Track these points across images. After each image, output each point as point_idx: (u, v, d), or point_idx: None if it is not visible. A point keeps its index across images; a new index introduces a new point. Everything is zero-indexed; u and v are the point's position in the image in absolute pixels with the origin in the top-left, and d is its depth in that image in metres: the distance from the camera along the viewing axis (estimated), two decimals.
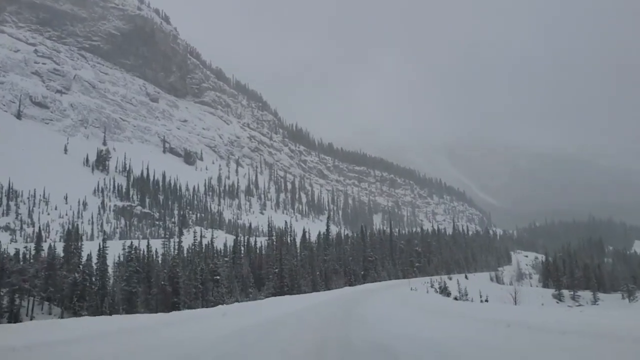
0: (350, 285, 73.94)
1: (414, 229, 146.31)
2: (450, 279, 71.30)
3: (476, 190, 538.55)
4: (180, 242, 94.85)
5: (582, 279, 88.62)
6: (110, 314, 44.90)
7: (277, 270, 65.77)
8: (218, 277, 64.64)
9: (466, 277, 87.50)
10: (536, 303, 61.08)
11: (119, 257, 68.29)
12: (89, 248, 62.82)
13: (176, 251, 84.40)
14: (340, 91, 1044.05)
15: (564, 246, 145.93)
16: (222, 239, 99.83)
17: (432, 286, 54.14)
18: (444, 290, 49.72)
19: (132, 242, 67.24)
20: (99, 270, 57.70)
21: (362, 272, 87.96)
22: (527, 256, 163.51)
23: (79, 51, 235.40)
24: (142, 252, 69.16)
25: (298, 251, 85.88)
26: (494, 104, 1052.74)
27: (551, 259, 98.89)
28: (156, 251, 77.01)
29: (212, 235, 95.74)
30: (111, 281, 63.33)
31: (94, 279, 55.80)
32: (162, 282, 61.85)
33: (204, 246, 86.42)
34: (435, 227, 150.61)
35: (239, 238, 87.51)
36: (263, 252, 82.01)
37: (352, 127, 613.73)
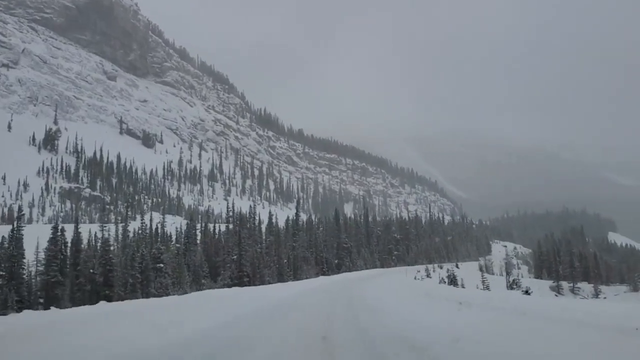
0: (324, 275, 63.06)
1: (391, 217, 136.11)
2: (441, 267, 61.03)
3: (445, 182, 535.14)
4: (126, 226, 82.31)
5: (580, 269, 79.72)
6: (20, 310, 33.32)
7: (235, 257, 54.11)
8: (161, 265, 52.65)
9: (457, 266, 77.31)
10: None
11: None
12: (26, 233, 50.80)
13: (120, 237, 72.12)
14: (310, 74, 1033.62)
15: (547, 236, 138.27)
16: (178, 225, 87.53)
17: (428, 275, 43.55)
18: (454, 281, 39.14)
19: (57, 224, 54.29)
20: (11, 256, 45.18)
21: (336, 261, 77.00)
22: (505, 246, 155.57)
23: (29, 23, 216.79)
24: (75, 236, 57.13)
25: (263, 237, 74.56)
26: (463, 97, 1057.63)
27: (543, 249, 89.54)
28: (95, 236, 64.11)
29: (163, 219, 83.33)
30: (33, 270, 50.89)
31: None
32: (91, 271, 49.99)
33: (152, 231, 74.38)
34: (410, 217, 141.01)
35: (193, 222, 75.26)
36: (222, 238, 69.90)
37: (322, 114, 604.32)
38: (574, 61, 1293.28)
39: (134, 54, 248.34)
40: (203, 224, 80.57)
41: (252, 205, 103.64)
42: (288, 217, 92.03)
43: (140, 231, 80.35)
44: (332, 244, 78.82)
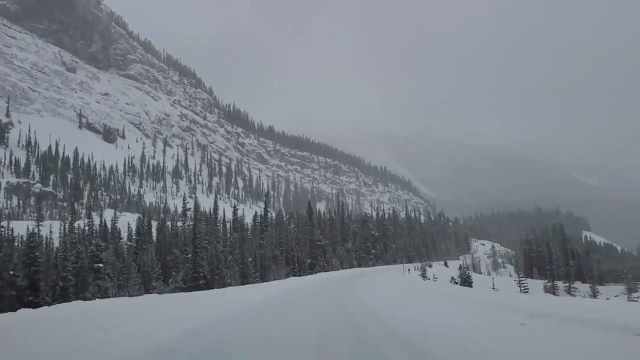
0: (295, 276, 55.17)
1: (369, 213, 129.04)
2: (431, 266, 53.76)
3: (416, 183, 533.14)
4: (72, 223, 72.90)
5: (574, 269, 73.55)
6: None
7: (189, 256, 45.72)
8: (100, 266, 43.94)
9: (446, 265, 70.26)
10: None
11: None
12: None
13: (65, 235, 63.24)
14: (281, 71, 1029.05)
15: (528, 234, 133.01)
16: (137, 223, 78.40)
17: (424, 275, 36.12)
18: (467, 282, 31.75)
19: None
20: None
21: (310, 261, 69.03)
22: (484, 244, 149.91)
23: None
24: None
25: (228, 234, 66.31)
26: (432, 97, 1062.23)
27: (533, 247, 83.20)
28: (26, 233, 54.70)
29: (115, 215, 74.00)
30: None
31: None
32: (12, 273, 41.58)
33: (101, 228, 65.60)
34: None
35: (146, 218, 66.39)
36: (183, 235, 61.15)
37: (294, 111, 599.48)
38: (543, 66, 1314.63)
39: (96, 46, 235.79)
40: (160, 220, 71.97)
41: (216, 201, 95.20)
42: (256, 213, 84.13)
43: (87, 228, 71.19)
44: (304, 242, 70.90)
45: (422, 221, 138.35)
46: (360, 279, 38.67)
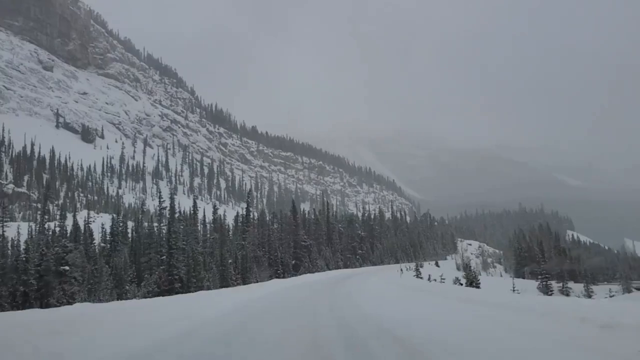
0: (278, 277, 52.19)
1: (354, 213, 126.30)
2: (422, 266, 51.06)
3: (400, 184, 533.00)
4: (43, 224, 69.20)
5: (568, 268, 71.45)
6: None
7: (164, 257, 42.41)
8: (66, 268, 40.46)
9: (437, 264, 67.67)
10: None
11: None
12: None
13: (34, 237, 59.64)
14: (263, 70, 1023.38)
15: (515, 232, 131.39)
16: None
17: (418, 275, 33.18)
18: (473, 282, 28.96)
19: None
20: None
21: (294, 261, 66.04)
22: (470, 244, 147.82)
23: None
24: None
25: (208, 235, 63.16)
26: (414, 98, 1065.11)
27: (523, 246, 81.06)
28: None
29: (88, 216, 70.13)
30: None
31: None
32: None
33: (74, 229, 62.03)
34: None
35: (120, 218, 62.82)
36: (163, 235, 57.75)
37: (277, 111, 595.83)
38: (526, 68, 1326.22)
39: (74, 44, 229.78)
40: (137, 221, 68.42)
41: (194, 200, 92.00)
42: (237, 212, 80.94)
43: (58, 229, 67.43)
44: (288, 242, 67.84)
45: (408, 221, 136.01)
46: (350, 280, 35.70)
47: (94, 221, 79.96)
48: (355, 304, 16.84)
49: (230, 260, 48.78)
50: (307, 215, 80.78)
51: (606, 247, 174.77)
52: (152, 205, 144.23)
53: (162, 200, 56.23)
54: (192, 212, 66.36)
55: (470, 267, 79.03)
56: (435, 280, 33.99)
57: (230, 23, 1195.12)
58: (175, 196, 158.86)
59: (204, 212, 79.36)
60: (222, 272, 47.91)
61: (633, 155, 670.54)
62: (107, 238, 59.36)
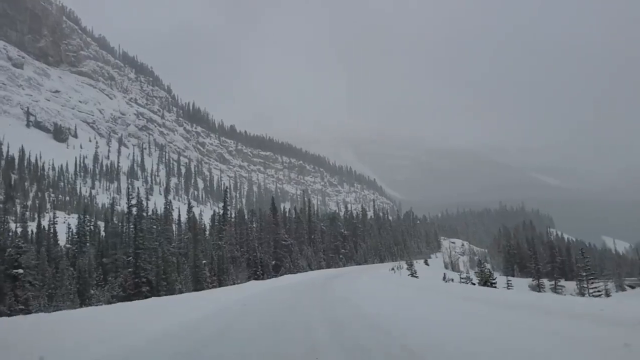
0: (257, 279, 48.67)
1: (335, 210, 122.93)
2: (412, 264, 47.92)
3: (381, 184, 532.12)
4: (2, 225, 64.21)
5: (559, 265, 69.09)
6: None
7: (130, 258, 38.54)
8: (19, 272, 36.49)
9: (426, 263, 64.77)
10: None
11: None
12: None
13: None
14: (242, 69, 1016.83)
15: (500, 231, 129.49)
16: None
17: (413, 274, 29.92)
18: (488, 281, 25.71)
19: None
20: None
21: (274, 262, 62.48)
22: (454, 242, 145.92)
23: None
24: None
25: (183, 235, 59.20)
26: (399, 100, 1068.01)
27: (512, 243, 78.51)
28: None
29: (53, 217, 65.56)
30: None
31: None
32: None
33: (39, 230, 57.90)
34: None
35: (87, 218, 58.45)
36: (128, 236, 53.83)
37: (255, 110, 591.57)
38: (504, 70, 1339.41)
39: (45, 40, 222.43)
40: (108, 222, 64.28)
41: (167, 197, 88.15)
42: (214, 211, 77.19)
43: (20, 229, 63.06)
44: (268, 241, 64.25)
45: (391, 220, 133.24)
46: (339, 281, 32.24)
47: (64, 222, 75.36)
48: (361, 313, 12.98)
49: (204, 261, 44.96)
50: (287, 214, 77.25)
51: (588, 244, 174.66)
52: (126, 205, 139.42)
53: (131, 197, 52.24)
54: (165, 210, 62.46)
55: (458, 265, 76.40)
56: (418, 277, 30.65)
57: (209, 22, 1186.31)
58: (150, 196, 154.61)
59: (179, 212, 75.37)
60: (196, 274, 44.15)
61: (611, 156, 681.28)
62: (75, 239, 55.21)
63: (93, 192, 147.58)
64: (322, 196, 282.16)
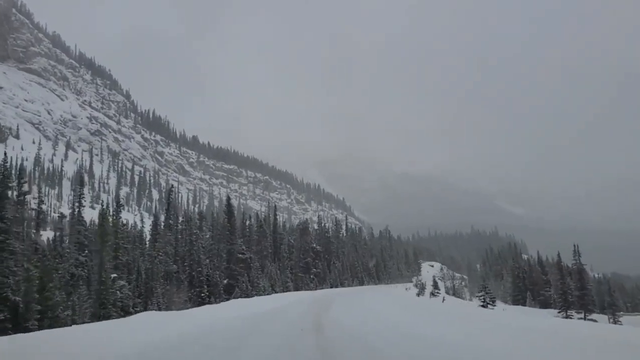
0: (203, 303, 33.75)
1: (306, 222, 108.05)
2: (408, 289, 33.81)
3: (349, 204, 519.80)
4: None
5: (576, 294, 56.02)
6: None
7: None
8: None
9: (422, 287, 50.40)
10: None
11: None
12: None
13: None
14: (208, 80, 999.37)
15: (487, 253, 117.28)
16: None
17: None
18: None
19: None
20: None
21: (226, 280, 47.72)
22: (432, 266, 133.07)
23: None
24: None
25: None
26: (365, 119, 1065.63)
27: (521, 266, 65.41)
28: None
29: None
30: None
31: None
32: None
33: None
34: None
35: None
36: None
37: (220, 123, 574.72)
38: (468, 99, 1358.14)
39: None
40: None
41: (104, 208, 71.98)
42: (155, 217, 61.72)
43: None
44: (219, 253, 49.48)
45: (366, 237, 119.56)
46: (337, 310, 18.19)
47: None
48: None
49: (114, 275, 29.98)
50: (248, 221, 62.48)
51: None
52: (68, 213, 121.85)
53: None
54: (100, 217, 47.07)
55: (460, 291, 63.15)
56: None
57: (175, 30, 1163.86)
58: (96, 205, 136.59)
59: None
60: (101, 295, 29.12)
61: (577, 185, 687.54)
62: None
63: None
64: (288, 214, 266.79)
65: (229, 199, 54.40)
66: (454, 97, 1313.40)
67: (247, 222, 61.74)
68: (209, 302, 41.04)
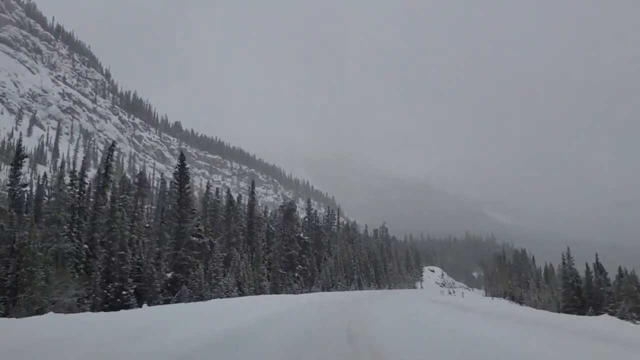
0: (124, 307, 17.05)
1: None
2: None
3: (339, 203, 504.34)
4: None
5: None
6: None
7: None
8: None
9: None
10: None
11: None
12: None
13: None
14: (198, 65, 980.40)
15: (500, 259, 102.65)
16: None
17: None
18: None
19: None
20: None
21: (170, 274, 31.71)
22: (433, 271, 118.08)
23: None
24: None
25: None
26: (353, 120, 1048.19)
27: (573, 274, 50.20)
28: None
29: None
30: None
31: None
32: None
33: None
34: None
35: None
36: None
37: (206, 112, 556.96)
38: (455, 103, 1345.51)
39: None
40: None
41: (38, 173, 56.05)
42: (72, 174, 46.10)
43: None
44: (163, 235, 33.76)
45: (361, 234, 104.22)
46: None
47: None
48: None
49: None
50: (216, 194, 46.76)
51: None
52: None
53: None
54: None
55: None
56: None
57: (161, 11, 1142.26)
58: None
59: None
60: None
61: (568, 195, 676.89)
62: None
63: None
64: (273, 209, 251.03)
65: (182, 157, 38.48)
66: (444, 102, 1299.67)
67: (214, 198, 45.97)
68: (129, 306, 25.55)
